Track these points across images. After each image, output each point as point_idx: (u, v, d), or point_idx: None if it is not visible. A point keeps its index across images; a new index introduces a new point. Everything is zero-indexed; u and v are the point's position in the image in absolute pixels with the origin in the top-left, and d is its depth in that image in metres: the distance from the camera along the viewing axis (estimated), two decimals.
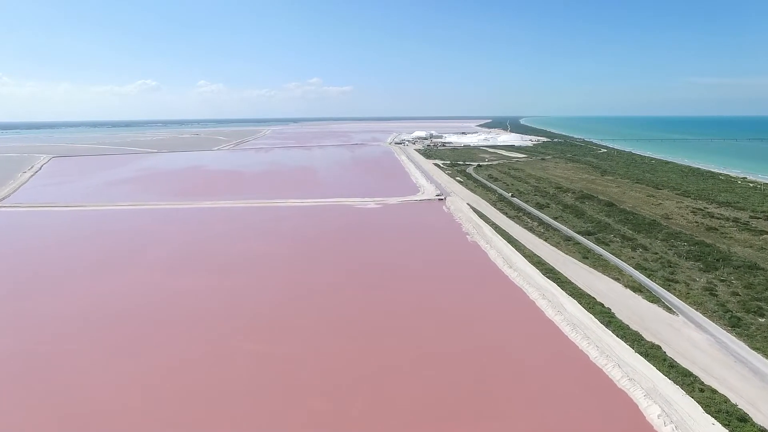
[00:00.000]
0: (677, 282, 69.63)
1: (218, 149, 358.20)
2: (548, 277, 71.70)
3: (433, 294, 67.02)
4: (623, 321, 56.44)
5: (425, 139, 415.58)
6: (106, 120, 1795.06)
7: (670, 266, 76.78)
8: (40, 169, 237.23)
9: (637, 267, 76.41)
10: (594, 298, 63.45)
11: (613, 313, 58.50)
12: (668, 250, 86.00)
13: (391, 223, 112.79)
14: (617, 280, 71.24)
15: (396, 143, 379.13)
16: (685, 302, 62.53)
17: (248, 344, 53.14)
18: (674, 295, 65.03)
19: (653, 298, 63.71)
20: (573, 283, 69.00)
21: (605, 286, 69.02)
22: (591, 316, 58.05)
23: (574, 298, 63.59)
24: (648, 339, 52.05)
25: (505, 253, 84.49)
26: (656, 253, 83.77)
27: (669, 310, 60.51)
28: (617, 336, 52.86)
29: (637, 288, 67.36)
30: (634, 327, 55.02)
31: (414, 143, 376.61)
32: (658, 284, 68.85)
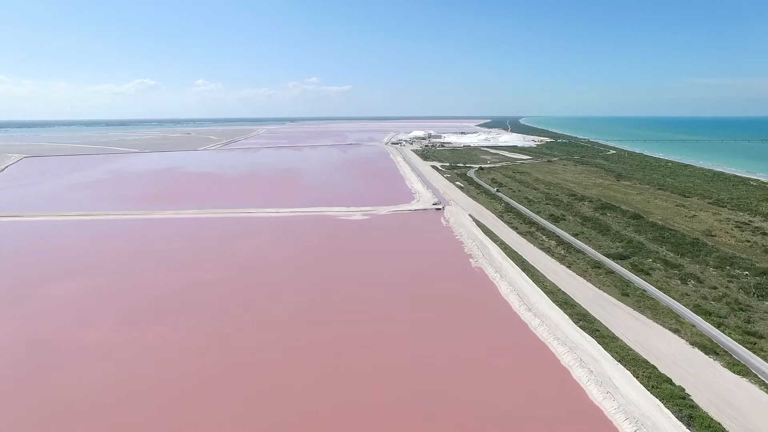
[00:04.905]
0: (761, 337, 50.67)
1: (204, 149, 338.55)
2: (582, 328, 52.76)
3: (430, 361, 47.66)
4: (710, 414, 37.48)
5: (423, 138, 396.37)
6: (102, 119, 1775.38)
7: (741, 308, 57.94)
8: (4, 170, 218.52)
9: (697, 310, 57.45)
10: (655, 367, 44.43)
11: (692, 399, 39.55)
12: (728, 282, 67.21)
13: (378, 241, 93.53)
14: (676, 332, 52.29)
15: (393, 143, 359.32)
16: None
17: None
18: (766, 361, 46.01)
19: (739, 368, 44.78)
20: (619, 339, 50.04)
21: (663, 342, 50.01)
22: (660, 403, 39.01)
23: (626, 366, 44.58)
24: None
25: (520, 286, 65.45)
26: (715, 287, 64.96)
27: None
28: None
29: (709, 348, 48.44)
30: (729, 426, 36.12)
31: (411, 143, 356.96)
32: (735, 340, 49.82)
